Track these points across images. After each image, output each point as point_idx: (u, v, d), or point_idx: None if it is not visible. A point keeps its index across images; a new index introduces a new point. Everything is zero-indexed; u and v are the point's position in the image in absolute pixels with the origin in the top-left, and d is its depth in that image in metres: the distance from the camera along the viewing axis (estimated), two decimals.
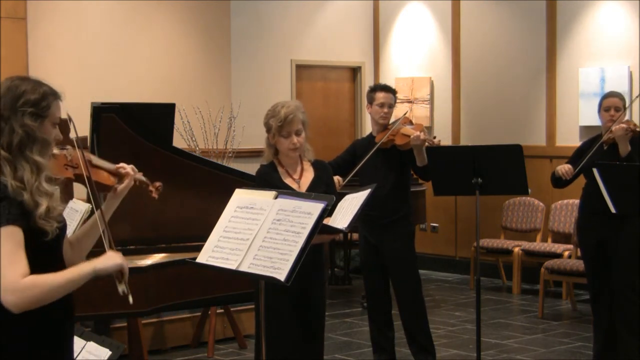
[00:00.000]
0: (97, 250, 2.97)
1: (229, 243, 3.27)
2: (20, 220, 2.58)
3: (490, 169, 5.26)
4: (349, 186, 5.28)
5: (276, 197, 3.30)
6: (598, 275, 5.77)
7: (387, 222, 5.85)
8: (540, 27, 9.08)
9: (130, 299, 2.72)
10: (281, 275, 3.03)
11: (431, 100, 10.10)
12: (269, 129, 4.35)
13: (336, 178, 5.21)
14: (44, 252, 2.67)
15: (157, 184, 3.25)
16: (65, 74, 8.16)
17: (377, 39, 10.67)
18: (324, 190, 4.28)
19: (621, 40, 8.46)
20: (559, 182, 5.77)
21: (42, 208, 2.62)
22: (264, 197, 3.34)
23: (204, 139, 8.01)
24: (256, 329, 4.47)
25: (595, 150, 5.64)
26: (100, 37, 8.69)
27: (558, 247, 8.29)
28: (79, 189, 3.91)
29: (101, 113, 4.86)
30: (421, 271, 7.11)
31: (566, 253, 8.13)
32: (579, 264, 7.32)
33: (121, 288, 2.73)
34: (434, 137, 5.81)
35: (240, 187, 3.53)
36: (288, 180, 4.37)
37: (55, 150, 2.87)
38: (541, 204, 8.84)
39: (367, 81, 10.36)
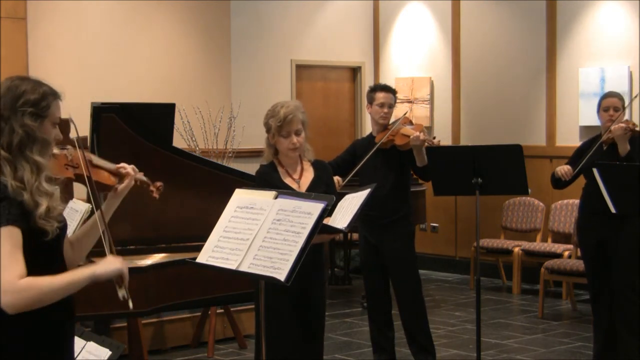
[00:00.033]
0: (97, 250, 2.97)
1: (229, 243, 3.27)
2: (19, 221, 2.58)
3: (490, 169, 5.26)
4: (348, 186, 5.27)
5: (276, 197, 3.30)
6: (598, 275, 5.77)
7: (387, 222, 5.85)
8: (540, 27, 9.08)
9: (130, 304, 2.71)
10: (281, 275, 3.03)
11: (431, 100, 10.10)
12: (268, 129, 4.35)
13: (336, 178, 5.21)
14: (45, 252, 2.66)
15: (158, 183, 3.25)
16: (65, 74, 8.16)
17: (377, 39, 10.67)
18: (324, 190, 4.28)
19: (621, 40, 8.46)
20: (558, 183, 5.78)
21: (42, 208, 2.61)
22: (264, 197, 3.33)
23: (204, 139, 8.00)
24: (256, 329, 4.47)
25: (595, 150, 5.64)
26: (100, 37, 8.69)
27: (558, 247, 8.29)
28: (79, 189, 3.92)
29: (101, 113, 4.86)
30: (421, 271, 7.11)
31: (566, 253, 8.12)
32: (579, 264, 7.32)
33: (121, 293, 2.72)
34: (434, 137, 5.81)
35: (240, 187, 3.53)
36: (288, 180, 4.37)
37: (56, 150, 2.87)
38: (541, 204, 8.84)
39: (367, 81, 10.35)
